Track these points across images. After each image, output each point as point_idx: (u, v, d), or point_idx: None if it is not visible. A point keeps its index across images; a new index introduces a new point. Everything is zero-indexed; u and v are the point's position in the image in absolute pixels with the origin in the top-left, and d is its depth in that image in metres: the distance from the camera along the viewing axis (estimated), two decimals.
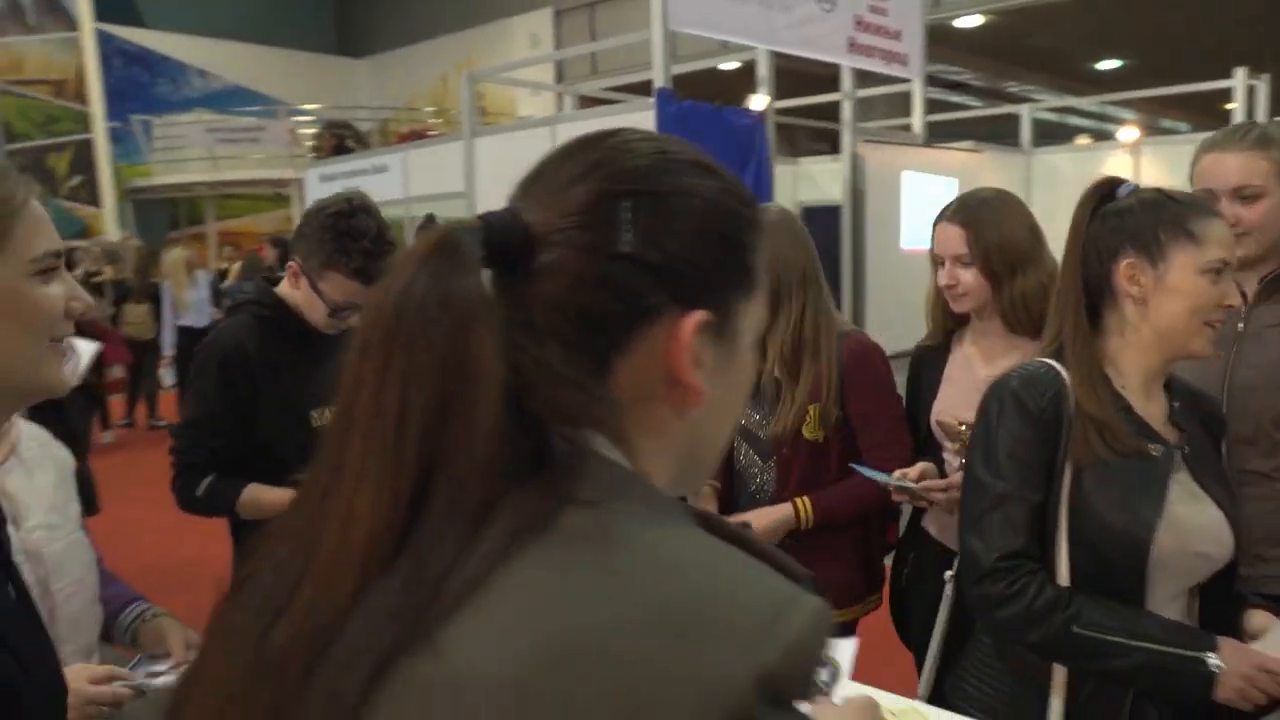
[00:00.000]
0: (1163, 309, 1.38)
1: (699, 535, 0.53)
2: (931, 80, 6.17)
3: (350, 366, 0.52)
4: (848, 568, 1.97)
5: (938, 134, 6.70)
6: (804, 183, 7.13)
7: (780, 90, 5.19)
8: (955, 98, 12.09)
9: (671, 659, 0.45)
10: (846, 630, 1.94)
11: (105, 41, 13.44)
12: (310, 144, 12.21)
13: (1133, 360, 1.42)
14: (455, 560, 0.48)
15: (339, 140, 11.83)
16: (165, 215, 13.81)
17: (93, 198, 13.11)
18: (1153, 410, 1.43)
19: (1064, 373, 1.42)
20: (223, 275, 8.68)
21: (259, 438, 1.92)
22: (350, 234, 1.87)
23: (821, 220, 6.29)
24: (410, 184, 6.62)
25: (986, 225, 1.82)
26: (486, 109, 13.36)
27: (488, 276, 0.55)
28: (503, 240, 0.56)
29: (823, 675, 1.24)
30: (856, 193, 5.65)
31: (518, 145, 5.58)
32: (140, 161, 13.60)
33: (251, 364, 1.94)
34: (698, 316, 0.57)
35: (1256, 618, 1.44)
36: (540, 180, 0.60)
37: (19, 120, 12.82)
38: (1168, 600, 1.40)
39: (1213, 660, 1.30)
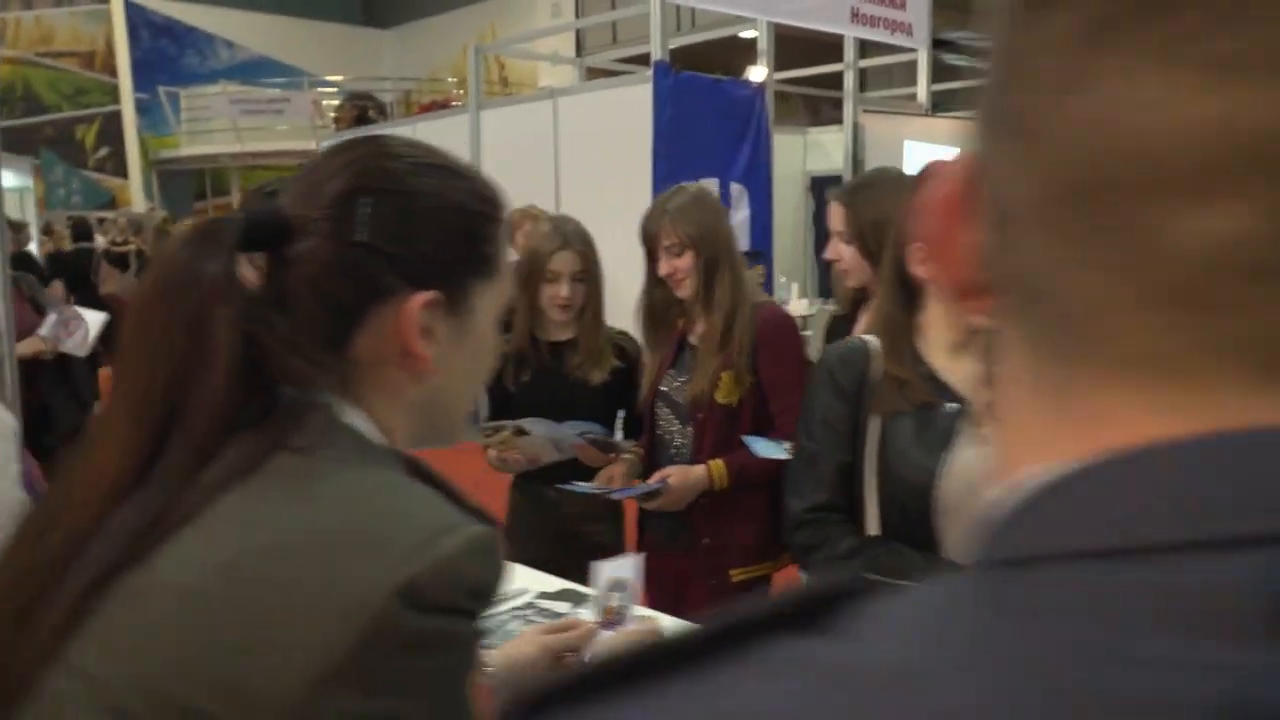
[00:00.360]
0: None
1: (394, 476, 0.62)
2: (950, 46, 6.14)
3: (123, 337, 0.61)
4: (761, 526, 2.07)
5: (955, 102, 6.67)
6: (814, 152, 7.13)
7: (796, 58, 5.20)
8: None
9: (321, 573, 0.56)
10: (760, 585, 2.06)
11: (133, 13, 13.60)
12: (332, 116, 12.33)
13: (937, 330, 1.53)
14: (178, 494, 0.59)
15: (361, 112, 11.91)
16: (191, 186, 14.02)
17: (120, 169, 13.33)
18: (960, 372, 1.52)
19: (872, 344, 1.56)
20: None
21: None
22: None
23: (825, 190, 6.32)
24: None
25: (864, 205, 1.89)
26: (509, 80, 13.41)
27: (259, 260, 0.66)
28: (261, 229, 0.66)
29: (614, 599, 1.35)
30: (858, 163, 5.65)
31: (521, 118, 5.65)
32: (167, 133, 13.80)
33: None
34: (426, 296, 0.67)
35: None
36: (307, 176, 0.70)
37: (48, 92, 13.05)
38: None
39: None
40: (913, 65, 6.13)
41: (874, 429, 1.53)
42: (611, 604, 1.40)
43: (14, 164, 9.89)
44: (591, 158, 5.07)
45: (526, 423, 2.08)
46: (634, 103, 4.78)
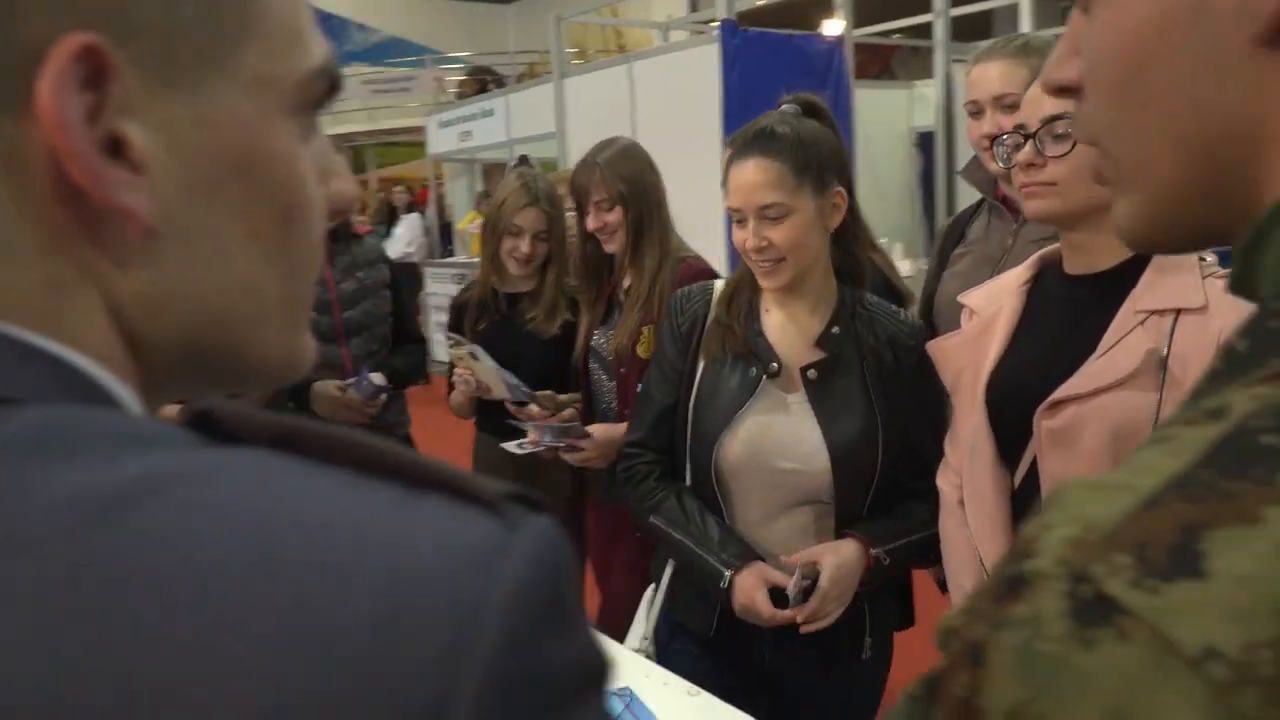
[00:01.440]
0: None
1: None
2: None
3: None
4: None
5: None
6: (919, 105, 6.85)
7: (884, 10, 5.01)
8: None
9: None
10: None
11: None
12: (454, 91, 12.67)
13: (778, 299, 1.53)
14: None
15: (481, 85, 12.22)
16: None
17: None
18: (794, 333, 1.48)
19: (716, 289, 1.54)
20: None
21: None
22: None
23: (928, 145, 6.07)
24: (512, 127, 6.82)
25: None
26: (625, 47, 13.41)
27: None
28: None
29: None
30: (950, 117, 5.41)
31: (600, 84, 5.67)
32: None
33: None
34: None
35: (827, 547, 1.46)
36: None
37: None
38: (775, 510, 1.47)
39: (727, 574, 1.41)
40: (1014, 9, 5.80)
41: (699, 374, 1.53)
42: None
43: None
44: (666, 119, 5.05)
45: (480, 351, 2.14)
46: (704, 63, 4.73)
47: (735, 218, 1.45)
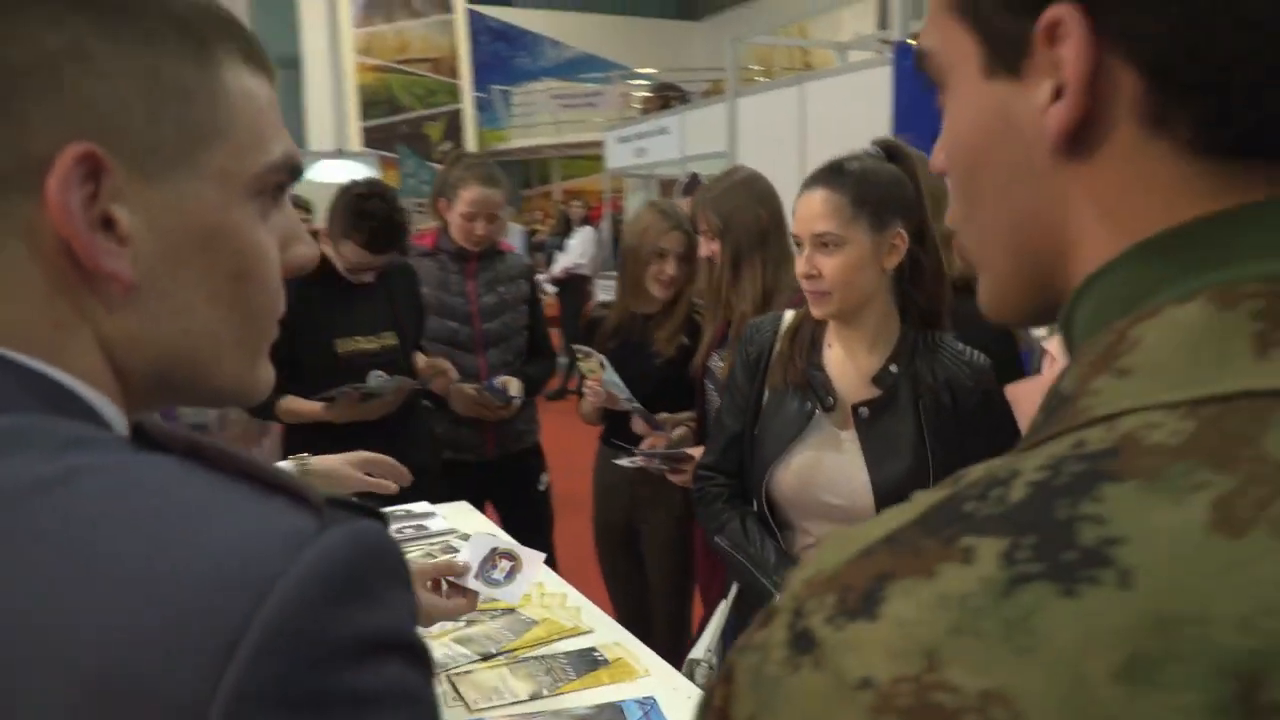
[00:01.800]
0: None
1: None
2: None
3: None
4: None
5: None
6: None
7: None
8: None
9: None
10: None
11: (475, 20, 15.11)
12: (638, 107, 12.96)
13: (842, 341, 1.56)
14: None
15: (665, 102, 12.44)
16: (518, 175, 15.33)
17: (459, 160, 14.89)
18: (851, 370, 1.50)
19: (786, 319, 1.59)
20: (533, 231, 9.51)
21: (296, 359, 2.38)
22: (364, 214, 2.33)
23: None
24: (686, 144, 6.94)
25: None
26: (812, 64, 13.34)
27: None
28: None
29: (499, 563, 1.40)
30: None
31: (772, 104, 5.69)
32: (499, 127, 15.19)
33: (291, 302, 2.43)
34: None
35: None
36: None
37: (404, 94, 14.80)
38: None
39: (777, 597, 1.42)
40: None
41: (765, 403, 1.59)
42: (496, 557, 1.42)
43: (364, 159, 11.49)
44: (836, 141, 5.01)
45: (606, 362, 2.26)
46: (876, 85, 4.68)
47: (797, 245, 1.51)
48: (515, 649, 1.56)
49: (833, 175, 1.47)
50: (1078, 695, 0.29)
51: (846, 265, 1.44)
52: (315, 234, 2.61)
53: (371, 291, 2.51)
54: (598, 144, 14.01)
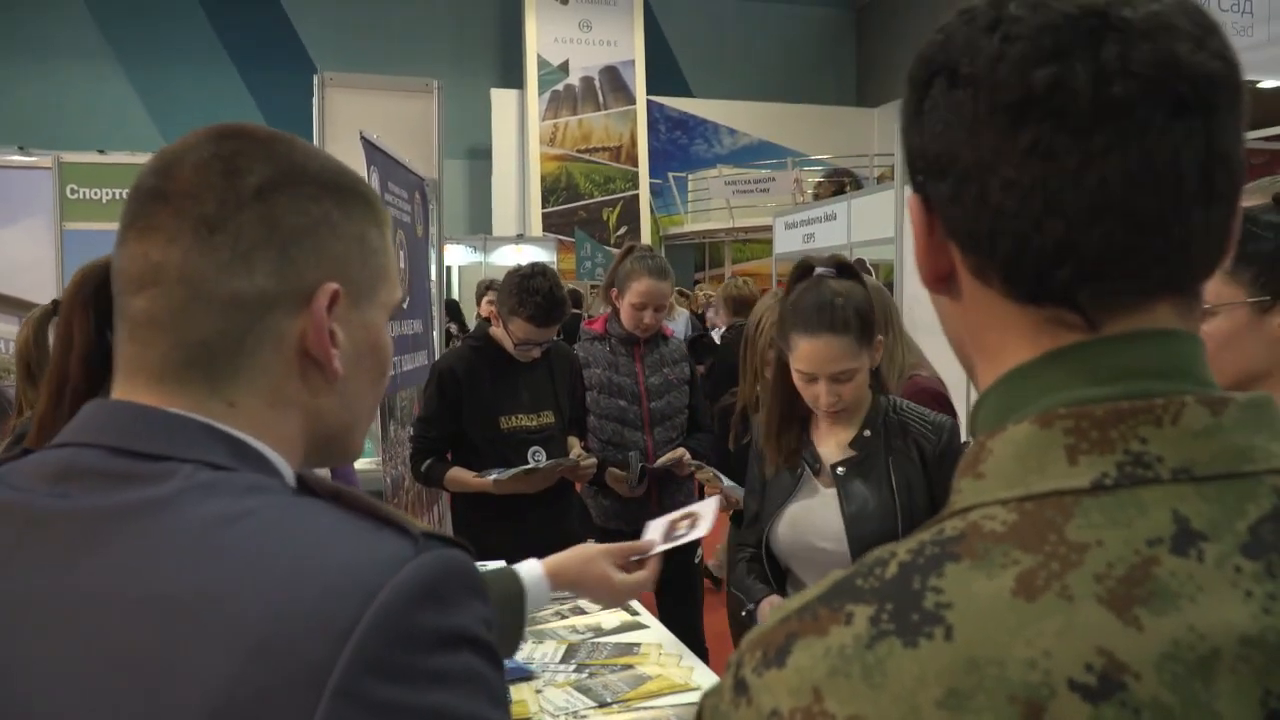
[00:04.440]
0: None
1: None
2: None
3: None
4: None
5: None
6: None
7: None
8: None
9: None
10: None
11: (654, 110, 15.73)
12: (812, 192, 13.07)
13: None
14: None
15: (839, 186, 12.52)
16: (692, 258, 15.68)
17: None
18: (832, 439, 1.88)
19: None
20: (700, 316, 9.59)
21: (464, 434, 2.61)
22: (529, 291, 2.53)
23: None
24: (853, 230, 6.95)
25: None
26: None
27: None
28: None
29: (682, 523, 1.62)
30: None
31: None
32: (674, 212, 15.64)
33: (460, 381, 2.64)
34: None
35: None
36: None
37: (584, 182, 15.51)
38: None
39: (748, 608, 1.87)
40: None
41: (768, 481, 1.94)
42: (676, 523, 1.60)
43: (543, 243, 12.07)
44: None
45: (720, 474, 2.52)
46: None
47: (805, 378, 1.78)
48: (629, 699, 1.70)
49: (834, 321, 1.75)
50: (912, 718, 0.41)
51: (859, 385, 1.79)
52: (488, 318, 2.83)
53: (534, 371, 2.69)
54: (768, 228, 14.24)
